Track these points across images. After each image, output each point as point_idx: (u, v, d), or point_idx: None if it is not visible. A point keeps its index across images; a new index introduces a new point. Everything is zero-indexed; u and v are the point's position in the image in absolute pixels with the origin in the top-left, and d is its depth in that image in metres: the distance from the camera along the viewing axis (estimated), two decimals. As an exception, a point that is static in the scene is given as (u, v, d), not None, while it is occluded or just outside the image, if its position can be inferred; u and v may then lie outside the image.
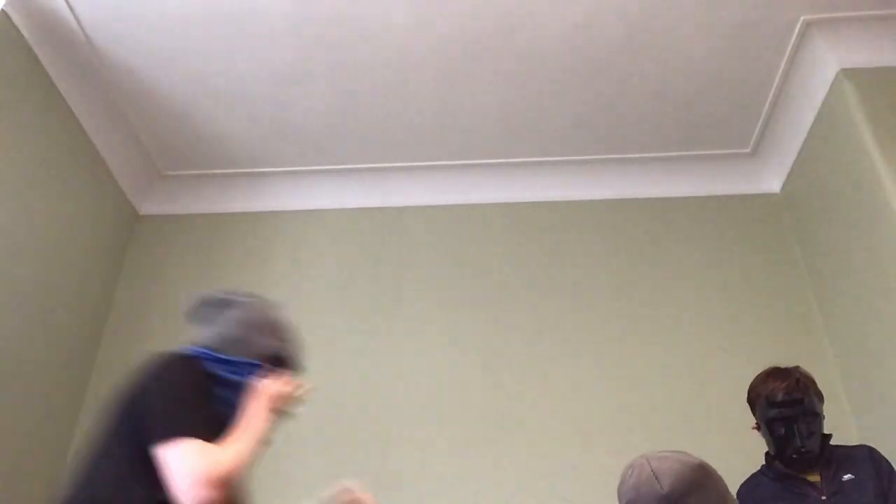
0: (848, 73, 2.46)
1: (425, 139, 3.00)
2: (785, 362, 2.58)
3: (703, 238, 2.94)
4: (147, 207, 3.22)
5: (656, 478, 1.28)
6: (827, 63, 2.52)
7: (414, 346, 2.77)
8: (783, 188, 2.97)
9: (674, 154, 3.03)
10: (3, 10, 2.41)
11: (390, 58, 2.66)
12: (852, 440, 2.42)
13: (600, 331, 2.75)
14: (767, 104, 2.80)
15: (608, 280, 2.87)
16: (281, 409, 1.55)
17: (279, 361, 1.60)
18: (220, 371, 1.53)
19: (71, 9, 2.52)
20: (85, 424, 2.71)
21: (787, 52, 2.60)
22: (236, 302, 1.64)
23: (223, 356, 1.54)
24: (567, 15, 2.50)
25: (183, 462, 1.30)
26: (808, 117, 2.68)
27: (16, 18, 2.46)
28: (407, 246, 3.02)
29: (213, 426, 1.40)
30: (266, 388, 1.53)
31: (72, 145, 2.77)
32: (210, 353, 1.55)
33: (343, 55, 2.66)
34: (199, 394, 1.44)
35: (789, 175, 2.90)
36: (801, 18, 2.50)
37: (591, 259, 2.91)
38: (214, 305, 1.65)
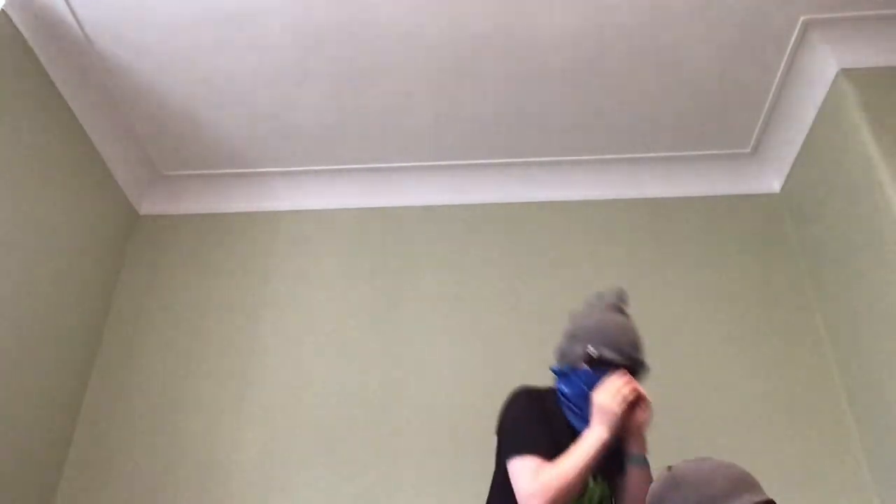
0: (848, 73, 2.46)
1: (425, 139, 3.00)
2: (785, 362, 2.61)
3: (703, 238, 2.93)
4: (147, 207, 3.22)
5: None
6: (827, 63, 2.52)
7: (414, 346, 2.77)
8: (783, 188, 2.97)
9: (674, 154, 3.03)
10: (3, 10, 2.41)
11: (390, 57, 2.66)
12: (853, 437, 2.43)
13: (600, 331, 2.74)
14: (767, 104, 2.79)
15: (608, 280, 2.84)
16: (615, 410, 1.55)
17: (603, 364, 1.64)
18: (561, 385, 1.68)
19: (71, 9, 2.52)
20: (84, 424, 2.71)
21: (787, 52, 2.60)
22: (571, 315, 1.77)
23: (557, 369, 1.71)
24: (566, 16, 2.50)
25: (515, 479, 1.51)
26: (808, 117, 2.68)
27: (16, 18, 2.46)
28: (407, 246, 3.02)
29: (558, 440, 1.55)
30: (598, 395, 1.58)
31: (71, 145, 2.77)
32: (555, 368, 1.72)
33: (343, 55, 2.66)
34: (537, 415, 1.61)
35: (789, 175, 2.90)
36: (801, 18, 2.50)
37: (592, 259, 2.91)
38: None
